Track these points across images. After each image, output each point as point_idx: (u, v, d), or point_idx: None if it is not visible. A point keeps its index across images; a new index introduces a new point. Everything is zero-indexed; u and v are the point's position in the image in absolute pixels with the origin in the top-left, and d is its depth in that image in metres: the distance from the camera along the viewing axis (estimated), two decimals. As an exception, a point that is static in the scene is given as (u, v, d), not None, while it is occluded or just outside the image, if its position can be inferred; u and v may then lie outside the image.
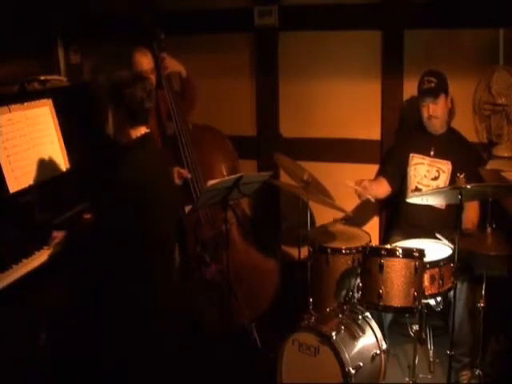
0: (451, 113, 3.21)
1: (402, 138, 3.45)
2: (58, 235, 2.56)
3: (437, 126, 3.16)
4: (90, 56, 4.01)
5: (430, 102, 3.10)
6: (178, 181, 3.17)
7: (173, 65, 3.31)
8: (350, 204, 3.55)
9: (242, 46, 3.90)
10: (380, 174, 3.50)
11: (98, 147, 2.93)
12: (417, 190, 3.21)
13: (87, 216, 2.80)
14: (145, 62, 3.15)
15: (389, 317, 3.08)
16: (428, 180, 3.19)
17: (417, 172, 3.23)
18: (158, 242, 2.37)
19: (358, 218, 3.56)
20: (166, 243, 2.47)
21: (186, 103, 3.39)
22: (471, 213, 3.03)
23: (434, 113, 3.11)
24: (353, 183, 3.15)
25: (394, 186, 3.33)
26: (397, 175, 3.32)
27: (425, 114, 3.15)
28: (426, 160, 3.20)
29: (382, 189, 3.33)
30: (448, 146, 3.16)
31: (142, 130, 2.34)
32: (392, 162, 3.39)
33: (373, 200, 3.14)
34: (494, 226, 2.59)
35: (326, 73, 3.74)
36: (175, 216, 2.60)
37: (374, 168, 3.68)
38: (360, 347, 2.67)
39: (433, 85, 3.08)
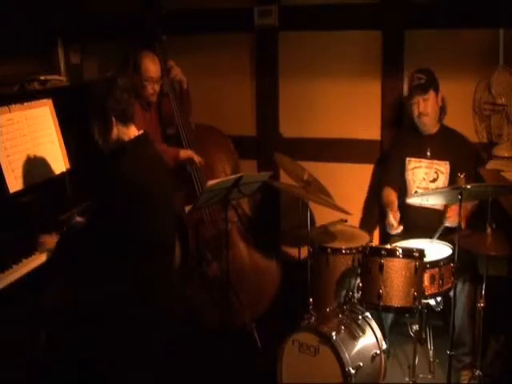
0: (442, 111, 3.20)
1: (396, 142, 3.43)
2: (47, 240, 2.53)
3: (428, 124, 3.16)
4: (90, 56, 4.01)
5: (420, 97, 3.10)
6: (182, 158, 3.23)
7: (178, 74, 3.36)
8: (350, 204, 3.54)
9: (242, 45, 3.90)
10: (384, 184, 3.39)
11: (97, 147, 2.92)
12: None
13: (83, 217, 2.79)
14: (153, 69, 3.17)
15: (390, 317, 3.08)
16: (427, 182, 3.18)
17: (415, 176, 3.21)
18: (156, 243, 2.37)
19: (357, 218, 3.56)
20: (165, 244, 2.46)
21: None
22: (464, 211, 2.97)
23: (425, 110, 3.11)
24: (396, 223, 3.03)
25: (399, 191, 3.29)
26: (400, 180, 3.29)
27: (415, 112, 3.15)
28: (424, 162, 3.19)
29: (394, 197, 3.25)
30: (444, 145, 3.15)
31: (136, 132, 2.34)
32: (392, 170, 3.34)
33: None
34: (493, 225, 2.59)
35: (326, 73, 3.74)
36: (172, 216, 2.59)
37: (373, 168, 3.68)
38: (360, 347, 2.67)
39: (422, 81, 3.10)
